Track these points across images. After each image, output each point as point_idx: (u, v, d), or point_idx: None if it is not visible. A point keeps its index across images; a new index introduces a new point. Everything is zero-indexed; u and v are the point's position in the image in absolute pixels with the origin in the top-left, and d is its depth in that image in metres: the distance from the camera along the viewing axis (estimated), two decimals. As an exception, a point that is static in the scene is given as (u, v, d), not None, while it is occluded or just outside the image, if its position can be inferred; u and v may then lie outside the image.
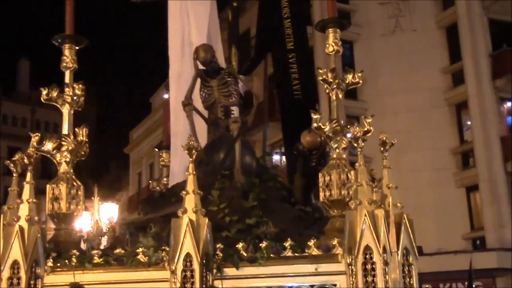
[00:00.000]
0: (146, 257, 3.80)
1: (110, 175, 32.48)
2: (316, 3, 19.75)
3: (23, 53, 49.77)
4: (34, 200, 3.95)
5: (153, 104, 29.99)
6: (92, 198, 5.69)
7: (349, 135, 4.32)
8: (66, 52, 4.71)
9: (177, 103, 5.88)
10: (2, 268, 3.70)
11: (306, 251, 3.84)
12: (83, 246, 4.41)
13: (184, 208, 3.78)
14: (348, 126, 4.35)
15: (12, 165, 4.17)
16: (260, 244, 3.89)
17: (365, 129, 4.20)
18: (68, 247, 4.13)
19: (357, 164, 3.96)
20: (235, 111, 5.66)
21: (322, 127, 4.38)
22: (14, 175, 4.19)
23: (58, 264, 3.92)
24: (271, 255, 3.84)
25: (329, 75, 4.53)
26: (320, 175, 4.33)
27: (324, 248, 3.84)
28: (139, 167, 29.99)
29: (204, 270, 3.64)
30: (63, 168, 4.37)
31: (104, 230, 5.15)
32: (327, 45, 4.71)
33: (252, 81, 10.46)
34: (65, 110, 4.58)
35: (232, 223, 4.48)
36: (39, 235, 3.78)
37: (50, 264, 3.93)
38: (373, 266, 3.64)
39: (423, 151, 18.94)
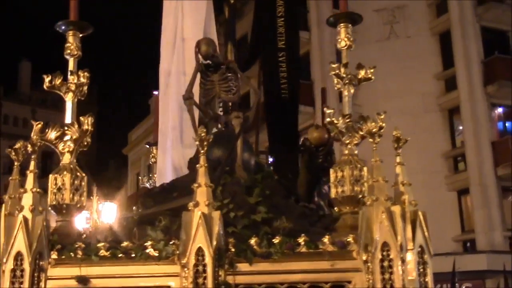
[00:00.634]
0: (156, 251, 3.66)
1: (109, 175, 32.51)
2: (312, 3, 19.73)
3: (24, 54, 49.66)
4: (38, 190, 3.79)
5: (151, 105, 30.06)
6: (91, 197, 5.56)
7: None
8: (70, 39, 4.50)
9: (165, 99, 5.78)
10: (5, 260, 3.52)
11: (321, 247, 3.74)
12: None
13: (196, 201, 3.64)
14: (361, 122, 4.28)
15: (13, 153, 4.02)
16: (273, 240, 3.78)
17: (379, 124, 4.16)
18: (71, 239, 3.98)
19: (372, 160, 3.88)
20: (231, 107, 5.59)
21: (335, 122, 4.29)
22: (16, 163, 4.03)
23: (63, 257, 3.76)
24: (285, 251, 3.73)
25: (342, 70, 4.46)
26: (331, 171, 4.24)
27: (339, 244, 3.73)
28: (137, 168, 30.19)
29: (216, 265, 3.52)
30: (67, 158, 4.22)
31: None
32: (339, 40, 4.64)
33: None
34: (69, 99, 4.43)
35: (237, 219, 4.37)
36: (44, 224, 3.60)
37: (54, 256, 3.77)
38: (390, 263, 3.54)
39: (416, 154, 18.99)
